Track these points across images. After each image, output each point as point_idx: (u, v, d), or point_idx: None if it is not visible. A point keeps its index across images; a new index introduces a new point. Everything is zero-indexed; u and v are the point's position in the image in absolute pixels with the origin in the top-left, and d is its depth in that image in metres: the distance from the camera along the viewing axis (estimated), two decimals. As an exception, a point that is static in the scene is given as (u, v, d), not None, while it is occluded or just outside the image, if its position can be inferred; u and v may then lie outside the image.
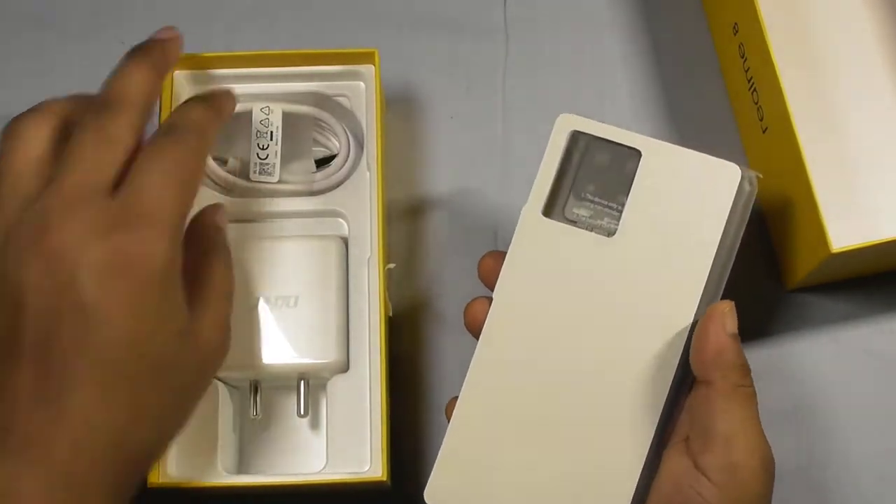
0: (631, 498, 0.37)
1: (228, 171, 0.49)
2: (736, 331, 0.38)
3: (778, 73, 0.47)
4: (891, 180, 0.50)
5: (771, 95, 0.48)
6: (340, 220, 0.49)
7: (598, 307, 0.39)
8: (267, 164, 0.49)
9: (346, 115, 0.50)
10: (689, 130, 0.55)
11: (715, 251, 0.39)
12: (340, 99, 0.51)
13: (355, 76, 0.50)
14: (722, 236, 0.39)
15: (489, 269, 0.42)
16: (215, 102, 0.41)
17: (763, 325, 0.51)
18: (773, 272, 0.52)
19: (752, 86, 0.51)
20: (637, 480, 0.38)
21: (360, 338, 0.46)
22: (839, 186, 0.49)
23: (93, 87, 0.56)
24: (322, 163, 0.50)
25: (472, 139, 0.55)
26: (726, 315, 0.38)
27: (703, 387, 0.37)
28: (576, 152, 0.41)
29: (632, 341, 0.39)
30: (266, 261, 0.47)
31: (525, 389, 0.39)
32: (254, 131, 0.49)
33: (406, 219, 0.53)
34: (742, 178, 0.39)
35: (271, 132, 0.49)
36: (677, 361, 0.38)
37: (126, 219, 0.33)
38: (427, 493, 0.40)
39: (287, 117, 0.49)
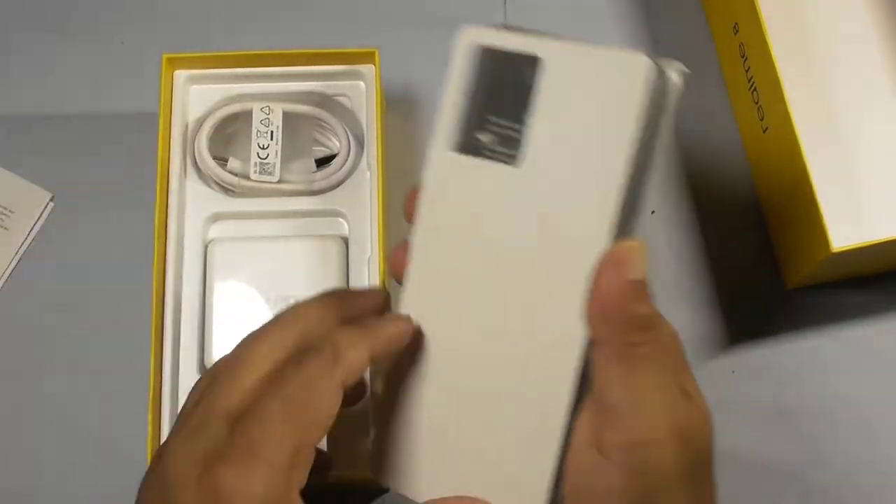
0: (557, 456, 0.32)
1: (228, 171, 0.49)
2: (640, 276, 0.31)
3: (778, 73, 0.47)
4: (891, 180, 0.50)
5: (771, 95, 0.48)
6: (340, 219, 0.49)
7: (514, 249, 0.33)
8: (267, 163, 0.49)
9: (346, 115, 0.50)
10: (689, 130, 0.55)
11: (625, 165, 0.32)
12: (341, 99, 0.51)
13: (355, 76, 0.50)
14: (635, 145, 0.31)
15: (411, 211, 0.37)
16: (370, 327, 0.34)
17: (763, 325, 0.51)
18: (773, 272, 0.52)
19: (752, 86, 0.51)
20: (559, 442, 0.32)
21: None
22: (839, 186, 0.49)
23: (92, 87, 0.56)
24: (322, 163, 0.50)
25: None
26: (627, 256, 0.31)
27: (597, 347, 0.31)
28: (481, 71, 0.36)
29: (547, 284, 0.32)
30: (266, 260, 0.48)
31: (447, 346, 0.35)
32: (254, 131, 0.49)
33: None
34: (655, 69, 0.31)
35: (271, 132, 0.49)
36: (581, 335, 0.32)
37: (232, 455, 0.31)
38: (370, 465, 0.37)
39: (287, 117, 0.49)
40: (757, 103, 0.51)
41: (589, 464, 0.31)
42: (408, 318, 0.34)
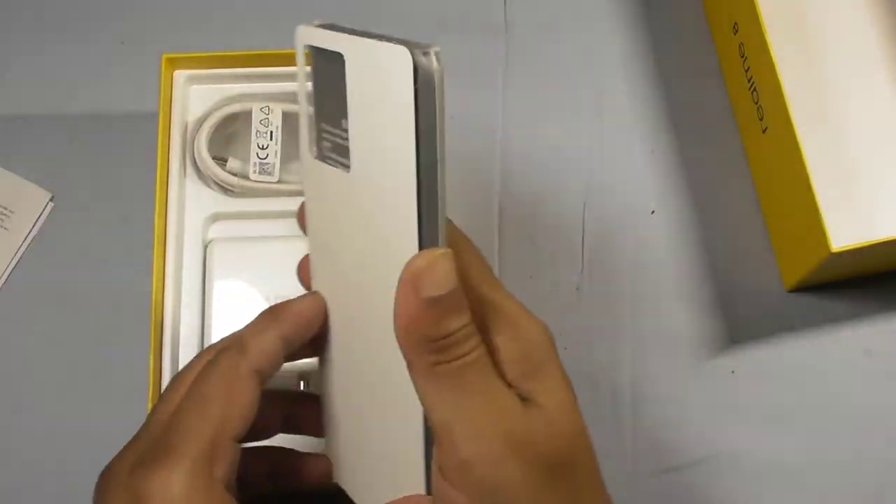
0: (423, 464, 0.32)
1: (228, 172, 0.49)
2: (439, 291, 0.28)
3: (778, 73, 0.47)
4: (890, 180, 0.50)
5: (771, 95, 0.48)
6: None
7: (358, 255, 0.33)
8: (267, 163, 0.49)
9: (346, 115, 0.50)
10: (689, 130, 0.55)
11: (413, 161, 0.30)
12: (340, 99, 0.51)
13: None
14: (419, 138, 0.30)
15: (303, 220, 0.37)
16: (277, 310, 0.35)
17: (763, 325, 0.51)
18: (773, 272, 0.52)
19: (752, 86, 0.51)
20: (421, 442, 0.31)
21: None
22: (839, 186, 0.49)
23: (92, 87, 0.56)
24: (322, 163, 0.50)
25: (472, 139, 0.55)
26: (423, 270, 0.28)
27: (409, 369, 0.29)
28: (315, 73, 0.34)
29: (383, 290, 0.31)
30: (265, 260, 0.47)
31: (338, 340, 0.35)
32: (254, 131, 0.49)
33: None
34: (417, 61, 0.30)
35: (271, 132, 0.49)
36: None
37: (151, 455, 0.31)
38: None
39: (287, 117, 0.49)
40: (757, 103, 0.51)
41: (440, 488, 0.29)
42: (315, 294, 0.35)
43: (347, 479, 0.37)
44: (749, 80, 0.51)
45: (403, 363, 0.29)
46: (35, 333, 0.51)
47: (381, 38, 0.30)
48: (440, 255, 0.29)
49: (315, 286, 0.35)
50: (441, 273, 0.28)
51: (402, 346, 0.29)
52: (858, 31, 0.53)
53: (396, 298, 0.28)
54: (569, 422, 0.30)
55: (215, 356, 0.33)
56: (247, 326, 0.34)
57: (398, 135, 0.30)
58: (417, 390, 0.29)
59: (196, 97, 0.51)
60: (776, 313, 0.52)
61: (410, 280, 0.28)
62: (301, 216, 0.35)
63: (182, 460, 0.31)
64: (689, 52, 0.57)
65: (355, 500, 0.36)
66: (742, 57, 0.52)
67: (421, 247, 0.29)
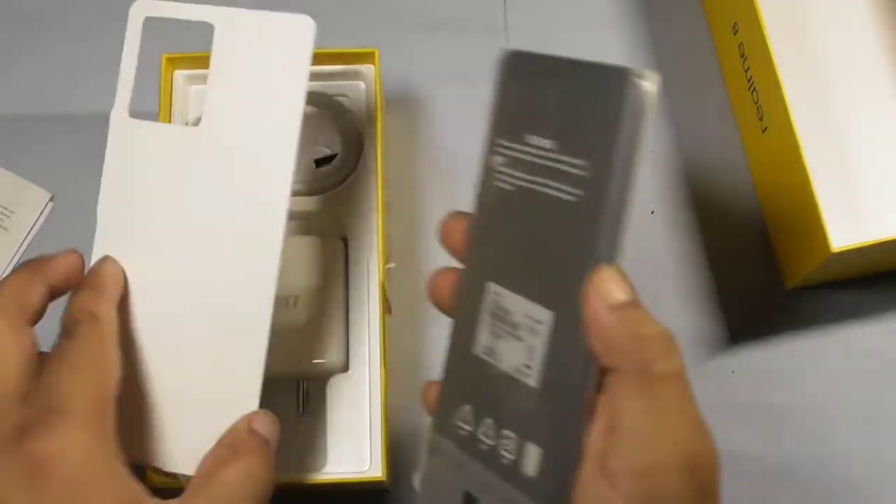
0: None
1: (228, 171, 0.49)
2: (624, 297, 0.30)
3: (778, 73, 0.47)
4: (890, 180, 0.50)
5: (771, 95, 0.48)
6: (340, 219, 0.49)
7: (196, 212, 0.36)
8: (267, 163, 0.49)
9: (346, 115, 0.50)
10: (689, 130, 0.55)
11: (300, 121, 0.35)
12: (341, 99, 0.51)
13: (355, 76, 0.50)
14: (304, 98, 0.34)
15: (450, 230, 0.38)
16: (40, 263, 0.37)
17: (763, 325, 0.51)
18: (773, 272, 0.52)
19: (752, 86, 0.51)
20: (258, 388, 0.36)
21: (360, 337, 0.46)
22: (839, 186, 0.49)
23: (92, 87, 0.56)
24: (322, 163, 0.50)
25: (472, 139, 0.55)
26: (603, 283, 0.30)
27: (611, 373, 0.30)
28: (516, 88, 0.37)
29: (230, 246, 0.36)
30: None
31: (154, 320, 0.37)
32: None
33: (406, 218, 0.53)
34: (314, 27, 0.35)
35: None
36: (275, 271, 0.36)
37: (35, 420, 0.32)
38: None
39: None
40: (757, 103, 0.51)
41: (595, 491, 0.30)
42: (74, 251, 0.37)
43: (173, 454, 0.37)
44: (749, 80, 0.51)
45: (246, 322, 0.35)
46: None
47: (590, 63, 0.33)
48: (614, 268, 0.30)
49: (101, 239, 0.38)
50: (620, 281, 0.30)
51: (604, 354, 0.30)
52: (858, 30, 0.53)
53: (585, 313, 0.30)
54: (718, 453, 0.31)
55: (71, 325, 0.35)
56: (8, 278, 0.36)
57: (289, 92, 0.34)
58: (618, 395, 0.30)
59: (196, 97, 0.51)
60: (776, 313, 0.52)
61: (595, 291, 0.30)
62: (454, 235, 0.37)
63: (76, 420, 0.32)
64: (689, 52, 0.57)
65: (186, 471, 0.36)
66: (742, 57, 0.52)
67: (597, 260, 0.31)
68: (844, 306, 0.52)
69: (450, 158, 0.55)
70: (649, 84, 0.32)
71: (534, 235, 0.33)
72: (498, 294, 0.33)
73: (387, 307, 0.47)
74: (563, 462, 0.31)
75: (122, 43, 0.57)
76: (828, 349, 0.51)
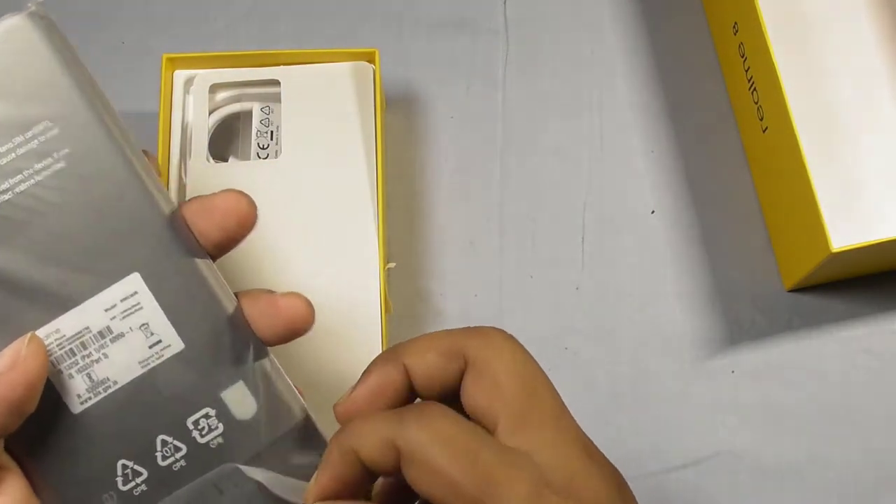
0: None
1: (228, 171, 0.49)
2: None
3: (778, 73, 0.47)
4: (891, 180, 0.50)
5: (771, 95, 0.48)
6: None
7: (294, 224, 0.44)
8: (267, 163, 0.49)
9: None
10: (689, 130, 0.55)
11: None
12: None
13: (355, 76, 0.50)
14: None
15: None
16: None
17: (763, 325, 0.51)
18: (773, 272, 0.52)
19: (752, 86, 0.51)
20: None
21: (360, 337, 0.46)
22: (839, 186, 0.49)
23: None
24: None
25: (472, 139, 0.55)
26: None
27: None
28: None
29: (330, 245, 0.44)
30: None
31: None
32: (254, 131, 0.49)
33: (406, 218, 0.53)
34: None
35: (271, 132, 0.49)
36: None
37: None
38: None
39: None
40: (757, 103, 0.51)
41: None
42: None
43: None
44: (749, 80, 0.51)
45: None
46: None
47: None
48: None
49: None
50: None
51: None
52: (858, 30, 0.53)
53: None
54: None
55: None
56: None
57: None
58: None
59: (196, 97, 0.51)
60: (776, 313, 0.52)
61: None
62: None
63: None
64: (689, 52, 0.57)
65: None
66: (742, 57, 0.52)
67: None
68: (844, 306, 0.52)
69: (450, 158, 0.55)
70: (38, 9, 0.32)
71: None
72: (58, 330, 0.29)
73: (387, 307, 0.47)
74: (255, 374, 0.30)
75: (122, 43, 0.57)
76: (828, 349, 0.51)
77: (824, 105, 0.51)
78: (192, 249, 0.30)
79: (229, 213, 0.31)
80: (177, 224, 0.30)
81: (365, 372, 0.31)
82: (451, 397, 0.30)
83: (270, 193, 0.47)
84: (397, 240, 0.53)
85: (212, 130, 0.49)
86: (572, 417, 0.30)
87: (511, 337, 0.30)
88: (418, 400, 0.31)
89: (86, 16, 0.57)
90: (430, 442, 0.27)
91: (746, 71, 0.51)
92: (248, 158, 0.49)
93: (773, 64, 0.47)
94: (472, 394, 0.29)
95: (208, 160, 0.48)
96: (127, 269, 0.29)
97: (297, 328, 0.31)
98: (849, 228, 0.48)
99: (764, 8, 0.48)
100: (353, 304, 0.46)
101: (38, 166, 0.29)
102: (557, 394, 0.30)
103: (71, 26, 0.57)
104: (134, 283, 0.30)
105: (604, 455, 0.30)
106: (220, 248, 0.31)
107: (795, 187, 0.47)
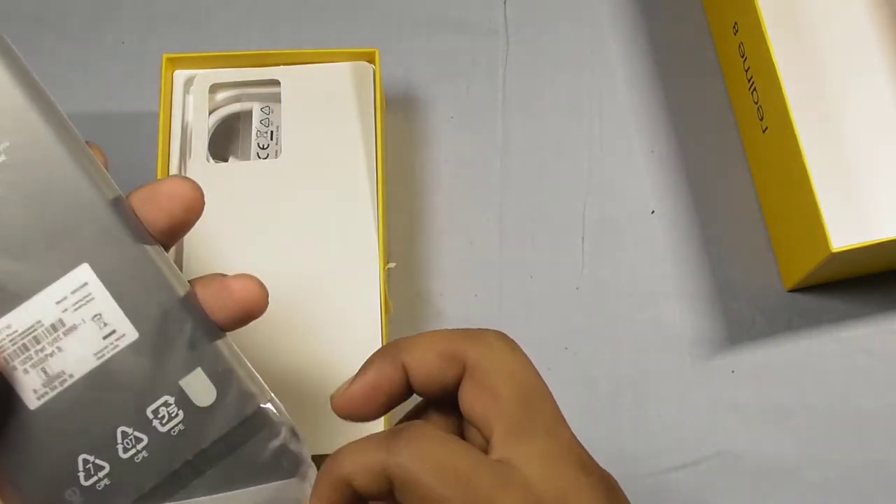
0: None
1: (228, 171, 0.49)
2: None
3: (778, 73, 0.47)
4: (890, 180, 0.50)
5: (771, 95, 0.48)
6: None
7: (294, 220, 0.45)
8: (267, 163, 0.49)
9: (346, 115, 0.51)
10: (689, 130, 0.55)
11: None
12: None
13: (355, 76, 0.50)
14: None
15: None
16: None
17: (763, 325, 0.51)
18: (773, 272, 0.52)
19: (752, 86, 0.51)
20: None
21: (360, 337, 0.46)
22: (839, 186, 0.49)
23: (92, 87, 0.56)
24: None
25: (472, 139, 0.55)
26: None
27: None
28: None
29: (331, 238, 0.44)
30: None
31: None
32: (254, 131, 0.49)
33: (406, 218, 0.53)
34: None
35: (271, 132, 0.49)
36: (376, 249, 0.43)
37: None
38: None
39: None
40: (757, 103, 0.51)
41: None
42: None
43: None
44: (749, 80, 0.51)
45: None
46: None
47: None
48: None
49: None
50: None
51: None
52: (858, 30, 0.53)
53: None
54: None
55: None
56: None
57: None
58: None
59: (196, 97, 0.51)
60: (776, 313, 0.52)
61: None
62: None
63: None
64: (689, 52, 0.57)
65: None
66: (742, 57, 0.52)
67: None
68: (844, 306, 0.52)
69: (450, 158, 0.55)
70: None
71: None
72: (9, 326, 0.29)
73: (387, 307, 0.47)
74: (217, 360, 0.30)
75: (122, 43, 0.57)
76: (828, 349, 0.51)
77: (824, 105, 0.51)
78: (141, 236, 0.30)
79: (174, 198, 0.31)
80: (123, 212, 0.30)
81: (363, 366, 0.31)
82: (448, 398, 0.30)
83: (270, 193, 0.47)
84: (397, 240, 0.53)
85: (212, 130, 0.49)
86: (568, 427, 0.30)
87: (511, 342, 0.30)
88: (414, 398, 0.31)
89: (86, 16, 0.57)
90: (422, 469, 0.27)
91: (746, 71, 0.51)
92: (248, 158, 0.49)
93: (773, 64, 0.47)
94: (470, 401, 0.29)
95: (208, 160, 0.48)
96: (75, 260, 0.29)
97: (251, 310, 0.31)
98: (849, 228, 0.48)
99: (764, 8, 0.48)
100: (353, 304, 0.46)
101: None
102: (555, 403, 0.30)
103: (71, 26, 0.58)
104: (84, 273, 0.29)
105: (598, 466, 0.30)
106: (168, 236, 0.31)
107: (795, 187, 0.47)
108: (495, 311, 0.51)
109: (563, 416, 0.30)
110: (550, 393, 0.30)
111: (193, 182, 0.31)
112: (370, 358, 0.31)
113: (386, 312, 0.47)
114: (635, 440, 0.49)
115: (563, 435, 0.29)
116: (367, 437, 0.29)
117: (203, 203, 0.31)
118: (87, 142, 0.31)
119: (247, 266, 0.43)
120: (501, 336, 0.30)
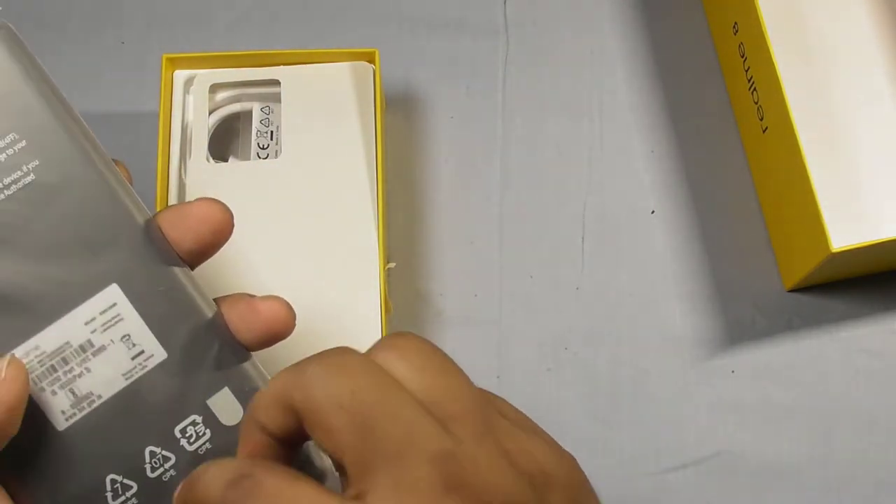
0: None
1: (228, 171, 0.49)
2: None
3: (778, 73, 0.47)
4: (890, 180, 0.50)
5: (771, 95, 0.48)
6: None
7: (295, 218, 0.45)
8: (267, 163, 0.49)
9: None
10: (689, 130, 0.55)
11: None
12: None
13: (355, 76, 0.50)
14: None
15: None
16: None
17: (763, 325, 0.51)
18: (773, 272, 0.52)
19: (752, 86, 0.51)
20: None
21: (360, 337, 0.46)
22: (839, 186, 0.49)
23: (92, 87, 0.56)
24: (322, 163, 0.50)
25: (472, 139, 0.55)
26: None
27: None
28: None
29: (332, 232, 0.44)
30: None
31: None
32: (254, 131, 0.49)
33: (406, 218, 0.53)
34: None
35: (271, 132, 0.49)
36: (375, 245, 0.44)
37: None
38: None
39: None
40: (757, 103, 0.51)
41: None
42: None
43: None
44: (749, 80, 0.51)
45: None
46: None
47: None
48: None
49: None
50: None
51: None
52: (859, 30, 0.53)
53: None
54: None
55: None
56: None
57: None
58: None
59: (196, 97, 0.51)
60: (776, 313, 0.52)
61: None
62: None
63: None
64: (689, 52, 0.57)
65: None
66: (742, 57, 0.52)
67: None
68: (844, 306, 0.52)
69: (450, 158, 0.55)
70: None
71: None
72: (37, 347, 0.29)
73: (387, 307, 0.47)
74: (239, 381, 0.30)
75: (122, 43, 0.57)
76: (828, 349, 0.51)
77: (824, 105, 0.51)
78: (169, 258, 0.30)
79: (203, 221, 0.31)
80: (152, 233, 0.30)
81: (240, 433, 0.28)
82: None
83: (270, 193, 0.47)
84: (397, 240, 0.53)
85: (212, 130, 0.49)
86: (423, 447, 0.25)
87: (339, 362, 0.26)
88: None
89: (86, 16, 0.57)
90: (326, 401, 0.25)
91: (746, 71, 0.51)
92: (248, 158, 0.49)
93: (773, 64, 0.47)
94: (318, 441, 0.26)
95: (208, 160, 0.48)
96: (105, 280, 0.29)
97: (278, 331, 0.31)
98: (849, 228, 0.48)
99: (764, 8, 0.48)
100: (353, 304, 0.46)
101: (8, 180, 0.29)
102: (403, 419, 0.25)
103: (71, 26, 0.58)
104: (113, 294, 0.29)
105: (464, 484, 0.25)
106: (196, 257, 0.31)
107: (795, 187, 0.47)
108: (495, 311, 0.51)
109: (415, 431, 0.25)
110: (403, 404, 0.26)
111: (223, 204, 0.31)
112: (242, 419, 0.29)
113: (386, 312, 0.47)
114: (635, 440, 0.49)
115: (416, 457, 0.25)
116: (282, 371, 0.27)
117: (232, 225, 0.31)
118: (113, 160, 0.31)
119: (246, 266, 0.43)
120: (327, 359, 0.27)
